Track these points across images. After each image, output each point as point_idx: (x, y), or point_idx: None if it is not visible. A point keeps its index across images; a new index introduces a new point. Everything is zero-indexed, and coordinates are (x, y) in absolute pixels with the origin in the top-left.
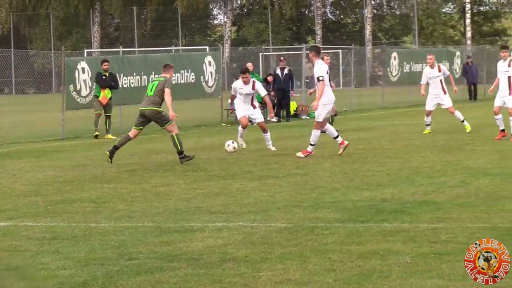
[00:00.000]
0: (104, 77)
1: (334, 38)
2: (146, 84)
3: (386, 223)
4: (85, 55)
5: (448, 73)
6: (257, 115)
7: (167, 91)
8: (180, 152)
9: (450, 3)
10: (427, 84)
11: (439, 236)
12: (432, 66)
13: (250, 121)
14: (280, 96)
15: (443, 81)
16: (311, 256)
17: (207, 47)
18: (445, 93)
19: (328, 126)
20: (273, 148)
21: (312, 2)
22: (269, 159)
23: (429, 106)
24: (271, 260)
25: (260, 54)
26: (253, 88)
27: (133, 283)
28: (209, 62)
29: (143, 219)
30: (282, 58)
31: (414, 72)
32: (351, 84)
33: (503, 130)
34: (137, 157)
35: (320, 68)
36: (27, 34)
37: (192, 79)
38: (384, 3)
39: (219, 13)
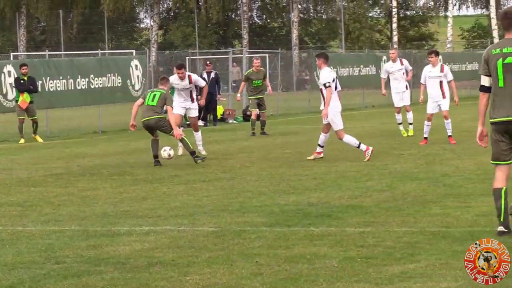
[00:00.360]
0: (22, 81)
1: (261, 42)
2: (73, 88)
3: (312, 227)
4: (11, 58)
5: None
6: (193, 110)
7: (169, 110)
8: (192, 153)
9: (377, 8)
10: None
11: (366, 240)
12: (394, 60)
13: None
14: (207, 100)
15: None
16: (238, 260)
17: (133, 51)
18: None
19: (322, 136)
20: (204, 152)
21: (239, 6)
22: (196, 163)
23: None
24: (198, 264)
25: (187, 58)
26: (190, 82)
27: (60, 287)
28: (136, 66)
29: (70, 223)
30: (208, 62)
31: (341, 77)
32: (277, 88)
33: (426, 138)
34: (63, 161)
35: (327, 75)
36: None
37: (119, 83)
38: (311, 7)
39: (145, 16)
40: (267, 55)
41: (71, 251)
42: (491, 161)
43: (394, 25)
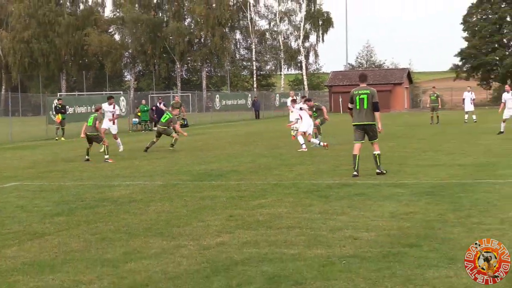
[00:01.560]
0: (58, 107)
1: (187, 88)
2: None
3: (213, 181)
4: (58, 96)
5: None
6: (113, 128)
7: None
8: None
9: (246, 70)
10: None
11: (241, 188)
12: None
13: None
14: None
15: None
16: (175, 199)
17: (121, 92)
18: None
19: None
20: (121, 149)
21: (176, 70)
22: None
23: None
24: (155, 201)
25: (149, 95)
26: (114, 108)
27: (84, 214)
28: (123, 99)
29: (88, 181)
30: (160, 97)
31: (227, 105)
32: (195, 110)
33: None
34: (81, 150)
35: (299, 106)
36: None
37: None
38: (212, 69)
39: (128, 74)
40: (190, 94)
41: (89, 195)
42: (354, 141)
43: (255, 78)
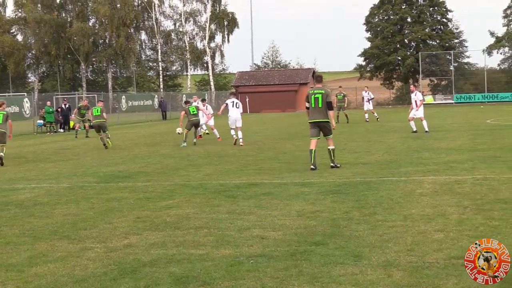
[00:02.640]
0: None
1: (93, 89)
2: None
3: (120, 183)
4: None
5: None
6: None
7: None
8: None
9: (151, 70)
10: None
11: (148, 189)
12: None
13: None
14: (66, 116)
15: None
16: (81, 201)
17: (25, 93)
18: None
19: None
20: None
21: (81, 71)
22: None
23: None
24: (61, 203)
25: (54, 97)
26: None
27: None
28: (27, 101)
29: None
30: (65, 99)
31: (133, 106)
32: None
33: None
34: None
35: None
36: None
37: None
38: (118, 70)
39: (32, 76)
40: (96, 95)
41: None
42: (310, 137)
43: (161, 79)
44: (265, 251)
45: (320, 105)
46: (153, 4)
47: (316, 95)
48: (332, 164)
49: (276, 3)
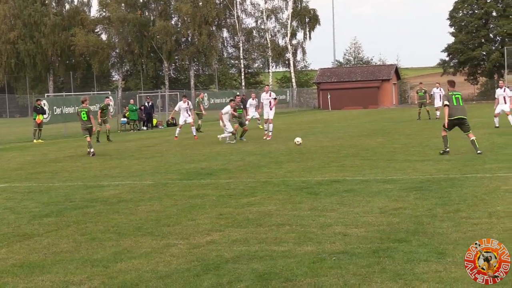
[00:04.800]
0: (38, 108)
1: (175, 87)
2: (76, 111)
3: (202, 180)
4: (45, 97)
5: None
6: None
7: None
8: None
9: (233, 68)
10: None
11: (230, 186)
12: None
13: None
14: (149, 114)
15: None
16: (164, 198)
17: (109, 92)
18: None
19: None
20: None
21: (164, 69)
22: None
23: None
24: (144, 200)
25: (137, 95)
26: None
27: (72, 215)
28: (111, 98)
29: (77, 181)
30: (147, 97)
31: (215, 104)
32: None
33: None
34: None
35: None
36: None
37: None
38: (200, 68)
39: (116, 74)
40: (178, 93)
41: (78, 195)
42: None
43: (243, 76)
44: (347, 248)
45: (461, 103)
46: (234, 1)
47: (456, 95)
48: (479, 151)
49: None
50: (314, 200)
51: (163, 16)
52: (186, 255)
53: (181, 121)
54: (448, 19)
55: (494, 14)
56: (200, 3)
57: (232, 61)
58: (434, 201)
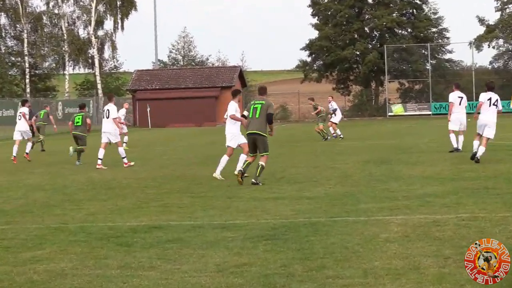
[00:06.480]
0: None
1: None
2: None
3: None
4: None
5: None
6: None
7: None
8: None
9: (14, 68)
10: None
11: (7, 234)
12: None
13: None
14: None
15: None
16: None
17: None
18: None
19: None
20: None
21: None
22: None
23: None
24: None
25: None
26: None
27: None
28: None
29: None
30: None
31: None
32: None
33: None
34: None
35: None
36: None
37: None
38: None
39: None
40: None
41: None
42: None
43: (27, 80)
44: None
45: (257, 116)
46: None
47: (256, 105)
48: (253, 180)
49: None
50: (125, 254)
51: None
52: None
53: None
54: (309, 6)
55: (370, 1)
56: None
57: (13, 58)
58: (290, 254)
